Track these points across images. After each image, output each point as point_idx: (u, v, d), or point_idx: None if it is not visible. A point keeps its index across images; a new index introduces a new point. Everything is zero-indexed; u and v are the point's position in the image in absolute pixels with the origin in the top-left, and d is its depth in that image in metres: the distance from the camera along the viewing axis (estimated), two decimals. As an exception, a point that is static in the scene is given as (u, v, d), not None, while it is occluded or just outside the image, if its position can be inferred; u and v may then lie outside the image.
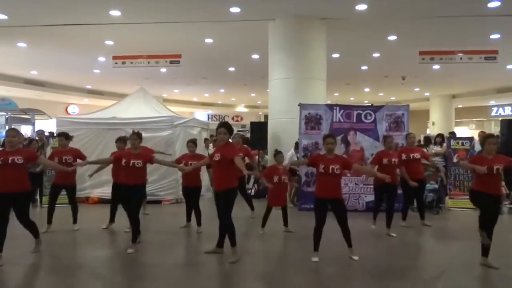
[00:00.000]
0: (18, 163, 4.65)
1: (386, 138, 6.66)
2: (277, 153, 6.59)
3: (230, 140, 5.29)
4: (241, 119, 27.16)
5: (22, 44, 11.94)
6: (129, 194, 5.36)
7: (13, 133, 4.90)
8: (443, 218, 7.96)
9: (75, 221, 6.52)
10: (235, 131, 6.84)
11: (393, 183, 5.99)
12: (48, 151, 8.90)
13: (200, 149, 10.46)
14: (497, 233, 4.73)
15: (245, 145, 8.80)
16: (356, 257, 4.90)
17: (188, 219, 6.66)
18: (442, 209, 8.51)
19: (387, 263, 5.03)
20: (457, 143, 9.06)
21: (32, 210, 8.51)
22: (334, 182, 4.88)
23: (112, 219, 6.63)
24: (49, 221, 6.32)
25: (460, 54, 11.64)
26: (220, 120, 27.78)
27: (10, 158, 4.61)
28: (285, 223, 6.44)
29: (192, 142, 6.60)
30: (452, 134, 11.10)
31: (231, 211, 4.86)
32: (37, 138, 10.04)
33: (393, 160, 6.29)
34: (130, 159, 5.28)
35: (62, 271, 4.66)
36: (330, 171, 4.77)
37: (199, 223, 6.47)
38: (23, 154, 4.78)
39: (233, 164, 4.69)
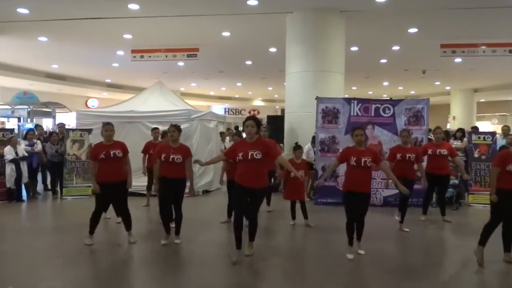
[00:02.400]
0: (119, 156, 5.15)
1: (401, 132, 6.51)
2: (297, 147, 6.45)
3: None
4: (258, 112, 27.14)
5: (43, 38, 12.16)
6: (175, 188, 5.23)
7: (111, 128, 5.27)
8: (462, 213, 7.80)
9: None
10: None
11: (410, 178, 5.95)
12: (68, 143, 9.09)
13: (217, 142, 10.54)
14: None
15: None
16: (362, 251, 4.91)
17: (229, 214, 6.44)
18: (462, 204, 8.34)
19: (405, 260, 4.97)
20: (479, 138, 8.84)
21: (53, 202, 8.76)
22: (366, 175, 4.75)
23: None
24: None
25: (483, 47, 11.33)
26: (237, 114, 27.86)
27: (112, 152, 5.09)
28: (305, 216, 6.43)
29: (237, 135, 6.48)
30: (475, 128, 10.83)
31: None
32: (57, 131, 10.24)
33: (407, 155, 6.07)
34: (169, 154, 5.14)
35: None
36: (362, 164, 4.64)
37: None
38: (121, 147, 5.23)
39: (268, 161, 4.58)
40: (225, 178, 6.47)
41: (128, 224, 5.38)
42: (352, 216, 4.76)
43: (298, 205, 6.44)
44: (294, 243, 5.91)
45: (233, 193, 4.64)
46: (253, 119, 4.50)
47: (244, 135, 5.61)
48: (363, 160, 4.64)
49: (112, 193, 5.19)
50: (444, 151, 6.58)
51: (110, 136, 5.21)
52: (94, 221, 5.24)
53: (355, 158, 4.66)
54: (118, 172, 5.18)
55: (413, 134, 8.07)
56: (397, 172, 5.69)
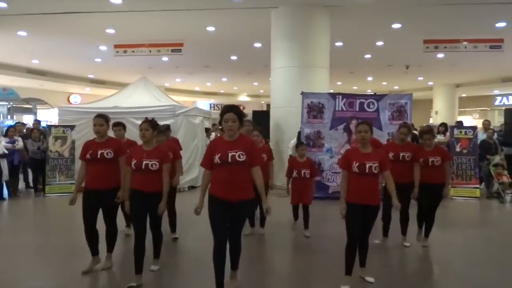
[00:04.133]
0: (108, 158, 4.09)
1: (400, 126, 5.24)
2: (300, 144, 5.82)
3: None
4: (243, 108, 27.07)
5: (22, 33, 11.87)
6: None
7: (100, 121, 4.25)
8: (444, 206, 7.93)
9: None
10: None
11: (404, 183, 4.64)
12: (50, 140, 8.92)
13: (202, 138, 10.49)
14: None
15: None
16: (371, 279, 3.92)
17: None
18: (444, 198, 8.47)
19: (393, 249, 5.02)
20: (460, 132, 9.02)
21: (35, 200, 8.60)
22: (372, 183, 3.75)
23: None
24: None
25: (465, 43, 11.52)
26: (222, 109, 27.65)
27: (100, 152, 4.08)
28: (305, 225, 5.61)
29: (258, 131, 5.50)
30: (459, 123, 11.03)
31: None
32: (34, 127, 10.02)
33: (401, 154, 4.95)
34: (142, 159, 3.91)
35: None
36: (367, 170, 3.69)
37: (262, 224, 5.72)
38: (113, 146, 4.18)
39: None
40: None
41: (110, 244, 4.29)
42: (354, 235, 3.75)
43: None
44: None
45: (211, 211, 3.42)
46: (233, 112, 3.41)
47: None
48: (367, 165, 3.69)
49: (98, 203, 4.12)
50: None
51: (99, 132, 4.19)
52: (87, 238, 4.16)
53: (357, 164, 3.72)
54: (107, 177, 4.08)
55: (408, 129, 8.14)
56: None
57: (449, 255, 4.90)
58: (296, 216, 5.85)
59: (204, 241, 4.49)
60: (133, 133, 7.75)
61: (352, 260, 3.75)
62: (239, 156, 3.33)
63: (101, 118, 4.25)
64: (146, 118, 4.15)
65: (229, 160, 3.33)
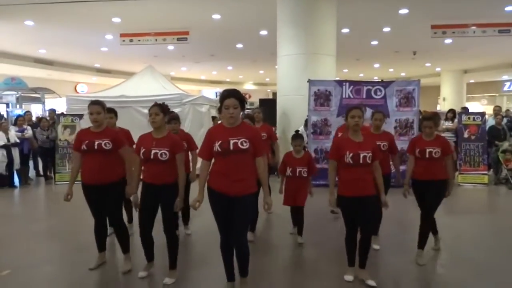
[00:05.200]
0: (106, 149, 3.70)
1: (373, 113, 4.64)
2: (296, 137, 4.77)
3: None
4: (249, 96, 27.04)
5: (29, 22, 11.90)
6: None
7: (96, 109, 3.76)
8: (452, 193, 7.93)
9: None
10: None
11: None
12: (59, 129, 9.02)
13: (209, 127, 10.52)
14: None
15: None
16: (373, 282, 3.54)
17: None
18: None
19: (398, 238, 5.05)
20: (469, 118, 8.97)
21: (46, 188, 8.74)
22: (366, 173, 3.54)
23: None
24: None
25: (474, 28, 11.38)
26: (228, 97, 27.51)
27: (97, 142, 3.68)
28: (298, 231, 4.83)
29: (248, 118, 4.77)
30: (465, 109, 10.97)
31: None
32: (48, 116, 10.15)
33: (382, 144, 4.40)
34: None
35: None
36: (361, 161, 3.46)
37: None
38: (111, 136, 3.77)
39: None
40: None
41: (123, 245, 3.94)
42: (352, 230, 3.60)
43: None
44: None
45: (211, 206, 3.18)
46: (234, 97, 3.06)
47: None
48: (361, 155, 3.46)
49: (100, 198, 3.77)
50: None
51: (97, 120, 3.74)
52: (95, 235, 3.96)
53: (351, 154, 3.46)
54: (105, 171, 3.69)
55: (404, 115, 8.15)
56: None
57: (458, 241, 4.94)
58: (294, 221, 4.96)
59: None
60: (140, 122, 7.88)
61: (353, 250, 3.65)
62: (242, 144, 3.02)
63: (98, 105, 3.78)
64: (156, 102, 3.72)
65: (231, 147, 3.01)
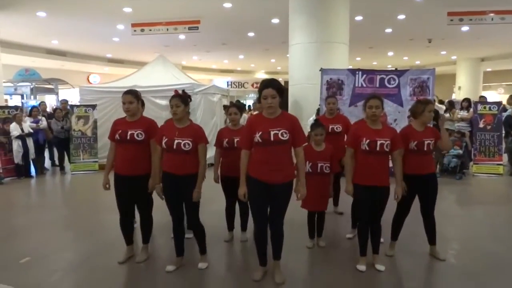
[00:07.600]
0: (138, 140, 3.66)
1: (327, 98, 4.79)
2: (316, 126, 4.07)
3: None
4: (261, 86, 26.91)
5: (41, 13, 11.98)
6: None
7: (129, 98, 3.72)
8: (466, 183, 7.86)
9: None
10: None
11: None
12: (73, 120, 9.12)
13: (221, 116, 10.53)
14: None
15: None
16: (382, 267, 3.65)
17: (231, 227, 4.66)
18: (466, 174, 8.39)
19: (410, 229, 5.01)
20: (484, 107, 8.79)
21: (61, 177, 8.87)
22: (382, 162, 3.49)
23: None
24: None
25: (492, 14, 11.08)
26: (240, 87, 27.53)
27: (130, 133, 3.65)
28: (319, 233, 4.31)
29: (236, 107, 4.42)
30: (483, 98, 10.73)
31: None
32: (61, 107, 10.26)
33: (330, 127, 4.53)
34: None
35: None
36: (378, 148, 3.42)
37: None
38: (145, 127, 3.71)
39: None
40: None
41: (145, 235, 3.97)
42: (366, 218, 3.59)
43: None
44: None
45: (249, 193, 3.23)
46: (272, 86, 3.11)
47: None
48: (379, 142, 3.42)
49: (130, 191, 3.73)
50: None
51: (129, 110, 3.70)
52: (122, 229, 3.91)
53: (368, 141, 3.43)
54: (136, 162, 3.67)
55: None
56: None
57: (472, 232, 4.88)
58: (312, 231, 4.26)
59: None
60: (153, 112, 7.91)
61: (365, 240, 3.64)
62: (282, 135, 3.09)
63: (130, 95, 3.73)
64: (176, 91, 3.60)
65: (272, 138, 3.08)
